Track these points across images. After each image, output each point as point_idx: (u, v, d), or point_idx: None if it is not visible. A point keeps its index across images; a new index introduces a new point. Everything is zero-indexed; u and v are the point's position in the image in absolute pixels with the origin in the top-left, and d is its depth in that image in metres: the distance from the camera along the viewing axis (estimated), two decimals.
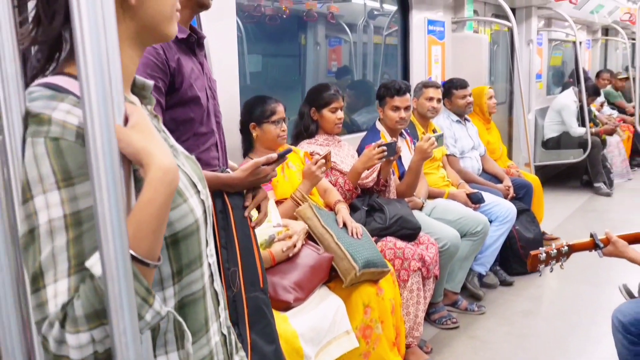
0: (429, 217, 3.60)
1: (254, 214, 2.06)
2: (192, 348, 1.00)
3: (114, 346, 0.80)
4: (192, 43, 1.90)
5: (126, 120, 0.84)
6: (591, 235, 2.31)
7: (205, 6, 1.94)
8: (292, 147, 3.12)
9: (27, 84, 0.92)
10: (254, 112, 2.89)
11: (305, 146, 3.28)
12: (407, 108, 3.57)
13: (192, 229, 0.99)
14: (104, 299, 0.79)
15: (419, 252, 3.10)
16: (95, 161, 0.76)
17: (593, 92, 6.98)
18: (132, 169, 0.86)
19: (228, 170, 1.96)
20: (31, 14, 0.94)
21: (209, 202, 1.10)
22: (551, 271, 2.34)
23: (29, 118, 0.84)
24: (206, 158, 1.92)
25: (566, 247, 2.31)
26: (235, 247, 1.88)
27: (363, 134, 3.87)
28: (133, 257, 0.82)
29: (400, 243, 3.09)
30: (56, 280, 0.82)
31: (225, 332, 1.16)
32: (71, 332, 0.80)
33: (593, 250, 2.32)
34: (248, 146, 3.01)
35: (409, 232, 3.18)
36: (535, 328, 3.55)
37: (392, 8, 5.10)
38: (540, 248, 2.32)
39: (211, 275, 1.10)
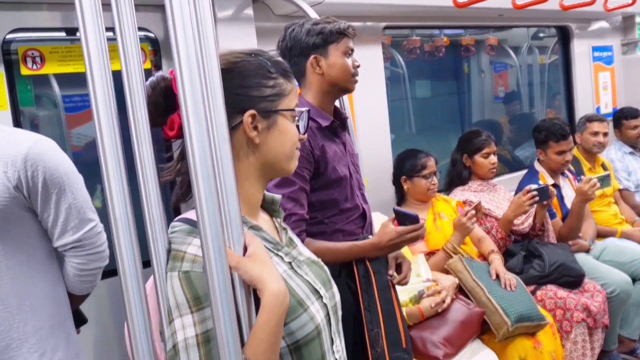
0: (597, 260, 3.44)
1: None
2: None
3: None
4: (335, 128, 2.08)
5: (245, 249, 1.03)
6: None
7: (349, 91, 2.12)
8: (443, 197, 3.20)
9: (174, 208, 1.15)
10: (405, 165, 3.03)
11: (459, 193, 3.34)
12: (571, 150, 3.50)
13: (312, 335, 1.12)
14: None
15: (583, 301, 2.99)
16: (212, 289, 0.94)
17: None
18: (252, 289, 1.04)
19: (369, 236, 2.10)
20: (176, 152, 1.17)
21: (335, 300, 1.23)
22: None
23: (169, 254, 1.05)
24: (350, 229, 2.08)
25: None
26: (378, 309, 2.01)
27: (521, 173, 3.82)
28: None
29: (561, 292, 3.01)
30: None
31: None
32: None
33: None
34: (400, 197, 3.14)
35: (571, 279, 3.08)
36: None
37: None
38: None
39: None
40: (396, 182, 3.12)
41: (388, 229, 2.02)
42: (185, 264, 1.03)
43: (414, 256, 2.69)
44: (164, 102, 1.08)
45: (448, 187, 3.45)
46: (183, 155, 1.12)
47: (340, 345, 1.24)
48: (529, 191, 3.09)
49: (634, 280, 3.36)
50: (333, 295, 1.24)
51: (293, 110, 1.16)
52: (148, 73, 1.07)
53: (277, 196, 1.26)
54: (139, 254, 0.99)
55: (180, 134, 1.11)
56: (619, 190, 4.10)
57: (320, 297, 1.18)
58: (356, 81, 2.10)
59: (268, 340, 0.99)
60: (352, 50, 2.06)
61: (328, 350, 1.18)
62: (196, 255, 1.04)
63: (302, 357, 1.12)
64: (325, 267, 1.28)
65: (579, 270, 3.10)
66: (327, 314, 1.19)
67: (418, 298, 2.52)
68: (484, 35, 4.98)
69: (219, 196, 0.96)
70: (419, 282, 2.57)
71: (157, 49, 2.58)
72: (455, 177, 3.43)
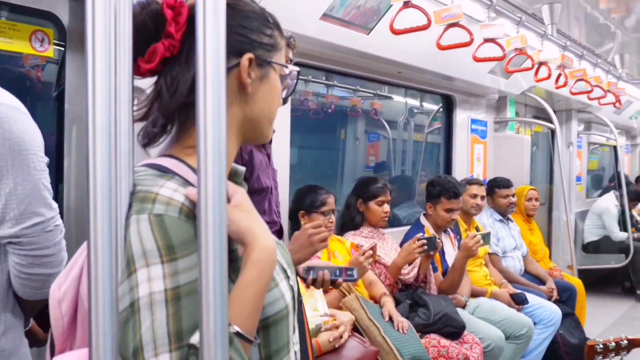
0: (472, 315, 3.55)
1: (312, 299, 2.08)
2: None
3: None
4: None
5: (228, 200, 0.89)
6: None
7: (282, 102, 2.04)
8: (337, 237, 3.16)
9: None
10: (304, 200, 2.97)
11: (350, 237, 3.32)
12: (458, 210, 3.63)
13: (282, 315, 1.00)
14: None
15: (464, 351, 3.04)
16: (205, 237, 0.79)
17: (635, 197, 6.95)
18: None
19: None
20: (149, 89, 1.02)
21: (297, 286, 1.12)
22: None
23: (134, 196, 0.89)
24: None
25: (625, 341, 2.28)
26: None
27: (405, 228, 3.91)
28: (239, 334, 0.84)
29: (444, 341, 3.04)
30: (157, 354, 0.82)
31: None
32: None
33: None
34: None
35: (454, 330, 3.14)
36: None
37: (433, 107, 5.26)
38: (597, 339, 2.30)
39: None
40: (293, 217, 3.04)
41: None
42: (158, 206, 0.87)
43: (311, 290, 2.59)
44: (152, 25, 0.94)
45: (340, 230, 3.43)
46: (158, 95, 0.98)
47: (297, 337, 1.12)
48: (419, 239, 3.13)
49: None
50: (295, 280, 1.12)
51: (286, 66, 1.07)
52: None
53: (241, 168, 1.14)
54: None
55: (157, 69, 0.97)
56: (489, 254, 4.31)
57: (288, 277, 1.06)
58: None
59: (255, 302, 0.87)
60: (291, 61, 2.01)
61: (291, 338, 1.05)
62: (171, 198, 0.89)
63: (269, 338, 0.98)
64: (288, 251, 1.17)
65: (461, 322, 3.17)
66: (293, 298, 1.07)
67: (315, 332, 2.42)
68: (369, 100, 5.17)
69: None
70: (316, 316, 2.47)
71: (63, 36, 2.35)
72: (348, 221, 3.42)
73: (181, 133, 1.01)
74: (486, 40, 3.25)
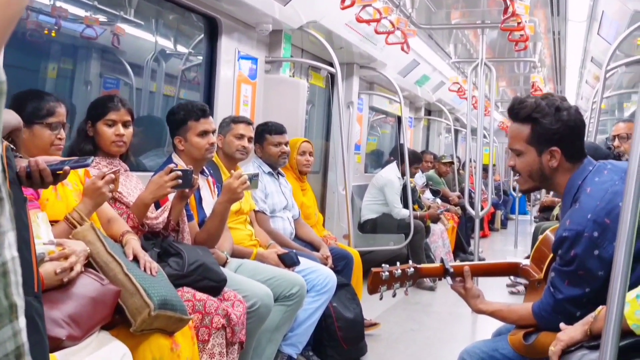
0: (235, 273, 3.67)
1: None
2: None
3: None
4: None
5: None
6: (441, 261, 2.57)
7: None
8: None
9: None
10: (25, 108, 2.83)
11: (81, 171, 3.23)
12: (214, 132, 3.72)
13: None
14: None
15: (224, 307, 3.14)
16: None
17: (414, 160, 7.76)
18: None
19: None
20: None
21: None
22: (393, 296, 2.55)
23: None
24: None
25: (412, 269, 2.54)
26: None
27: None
28: None
29: (200, 295, 3.11)
30: None
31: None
32: None
33: (442, 279, 2.57)
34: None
35: (212, 284, 3.22)
36: None
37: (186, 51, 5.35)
38: (384, 265, 2.53)
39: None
40: None
41: None
42: None
43: (32, 215, 2.49)
44: None
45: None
46: None
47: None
48: (171, 170, 3.14)
49: None
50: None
51: None
52: None
53: None
54: None
55: None
56: (255, 211, 4.48)
57: None
58: None
59: None
60: None
61: None
62: None
63: None
64: None
65: (221, 275, 3.27)
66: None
67: (38, 262, 2.34)
68: (108, 26, 5.01)
69: None
70: (39, 244, 2.38)
71: None
72: (76, 150, 3.32)
73: None
74: None
